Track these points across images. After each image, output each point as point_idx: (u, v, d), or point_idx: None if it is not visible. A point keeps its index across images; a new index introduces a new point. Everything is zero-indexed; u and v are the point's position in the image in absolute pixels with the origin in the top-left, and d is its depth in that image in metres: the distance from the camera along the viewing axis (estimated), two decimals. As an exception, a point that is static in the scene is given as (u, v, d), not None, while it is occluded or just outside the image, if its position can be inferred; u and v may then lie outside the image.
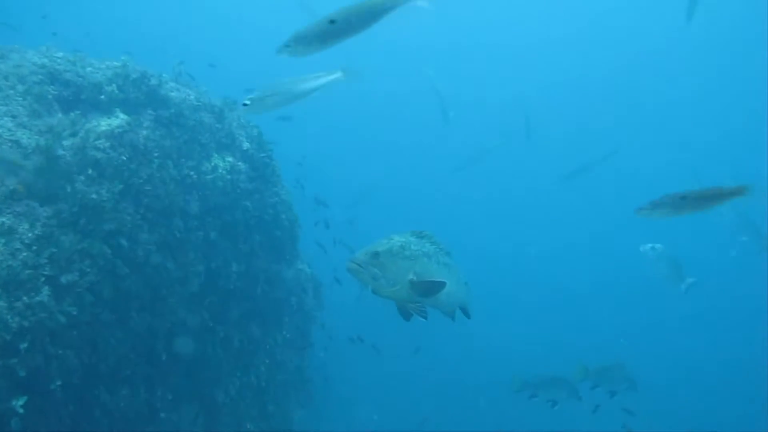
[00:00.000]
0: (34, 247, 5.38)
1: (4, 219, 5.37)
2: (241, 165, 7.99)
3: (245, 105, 4.89)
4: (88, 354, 5.89)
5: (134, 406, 6.55)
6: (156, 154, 6.85)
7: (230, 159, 7.86)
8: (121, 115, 6.82)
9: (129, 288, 6.32)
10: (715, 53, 28.40)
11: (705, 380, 18.15)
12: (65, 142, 6.13)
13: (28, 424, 5.41)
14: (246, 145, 8.40)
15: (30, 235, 5.40)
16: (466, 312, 5.29)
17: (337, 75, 5.01)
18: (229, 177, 7.71)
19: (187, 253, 7.10)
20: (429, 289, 4.51)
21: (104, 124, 6.54)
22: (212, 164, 7.65)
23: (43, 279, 5.32)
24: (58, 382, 5.50)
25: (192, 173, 7.32)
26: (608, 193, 25.84)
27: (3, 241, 5.25)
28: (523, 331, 19.22)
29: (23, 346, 5.11)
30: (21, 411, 5.08)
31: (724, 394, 17.13)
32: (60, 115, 6.56)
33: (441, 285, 4.54)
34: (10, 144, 5.80)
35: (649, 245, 10.48)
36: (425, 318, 4.62)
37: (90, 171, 6.09)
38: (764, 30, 25.03)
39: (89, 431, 6.16)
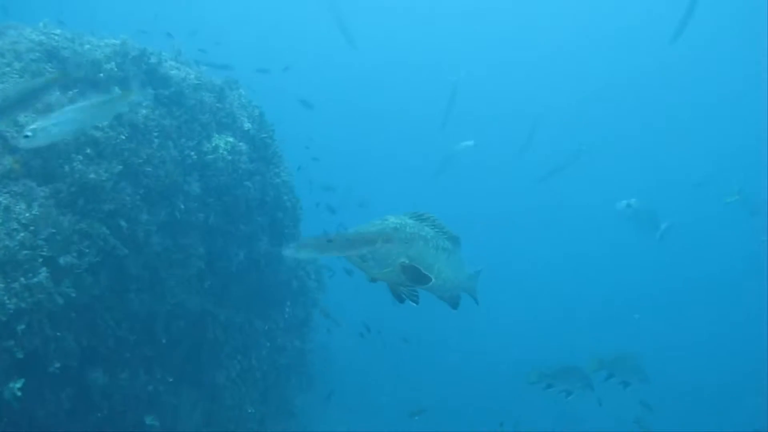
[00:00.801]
0: (32, 228, 5.26)
1: (0, 198, 5.25)
2: (242, 145, 7.85)
3: (27, 137, 4.50)
4: (86, 336, 5.82)
5: (134, 389, 6.48)
6: (156, 134, 6.72)
7: (231, 139, 7.72)
8: (120, 94, 6.69)
9: (128, 269, 6.23)
10: (714, 57, 28.38)
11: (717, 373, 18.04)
12: (63, 121, 6.00)
13: (26, 406, 5.34)
14: (247, 125, 8.26)
15: (27, 215, 5.28)
16: (474, 298, 5.17)
17: (117, 97, 5.07)
18: (230, 158, 7.57)
19: (188, 234, 7.00)
20: (417, 275, 4.37)
21: (103, 102, 6.40)
22: (213, 144, 7.52)
23: (40, 260, 5.21)
24: (57, 365, 5.42)
25: (192, 153, 7.20)
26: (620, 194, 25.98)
27: (0, 221, 5.14)
28: (532, 324, 19.23)
29: (20, 327, 5.02)
30: (18, 394, 5.00)
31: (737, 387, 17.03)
32: (58, 93, 6.42)
33: (427, 277, 4.38)
34: (6, 122, 5.67)
35: (624, 202, 10.32)
36: (416, 303, 4.47)
37: (88, 150, 5.95)
38: (764, 31, 25.03)
39: (88, 414, 6.09)
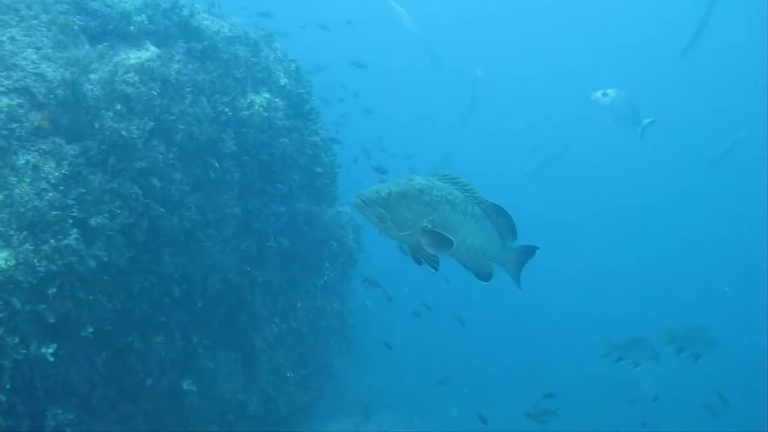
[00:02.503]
0: (61, 187, 5.06)
1: (28, 157, 5.04)
2: (279, 101, 7.54)
3: None
4: (120, 300, 5.65)
5: (170, 353, 6.33)
6: (188, 90, 6.45)
7: (267, 95, 7.41)
8: (152, 48, 6.40)
9: (163, 231, 6.02)
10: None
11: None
12: (92, 76, 5.74)
13: (59, 371, 5.22)
14: (283, 80, 7.93)
15: (56, 174, 5.08)
16: (514, 276, 4.68)
17: None
18: (265, 114, 7.27)
19: (223, 194, 6.76)
20: (438, 241, 4.04)
21: (134, 56, 6.13)
22: (248, 100, 7.22)
23: (71, 221, 5.02)
24: (90, 329, 5.25)
25: (227, 110, 6.90)
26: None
27: (28, 180, 4.93)
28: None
29: (52, 291, 4.85)
30: (51, 359, 4.86)
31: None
32: (87, 47, 6.15)
33: (447, 245, 4.04)
34: (34, 77, 5.43)
35: (600, 91, 9.25)
36: (435, 269, 4.13)
37: (119, 106, 5.70)
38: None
39: (123, 379, 5.96)
